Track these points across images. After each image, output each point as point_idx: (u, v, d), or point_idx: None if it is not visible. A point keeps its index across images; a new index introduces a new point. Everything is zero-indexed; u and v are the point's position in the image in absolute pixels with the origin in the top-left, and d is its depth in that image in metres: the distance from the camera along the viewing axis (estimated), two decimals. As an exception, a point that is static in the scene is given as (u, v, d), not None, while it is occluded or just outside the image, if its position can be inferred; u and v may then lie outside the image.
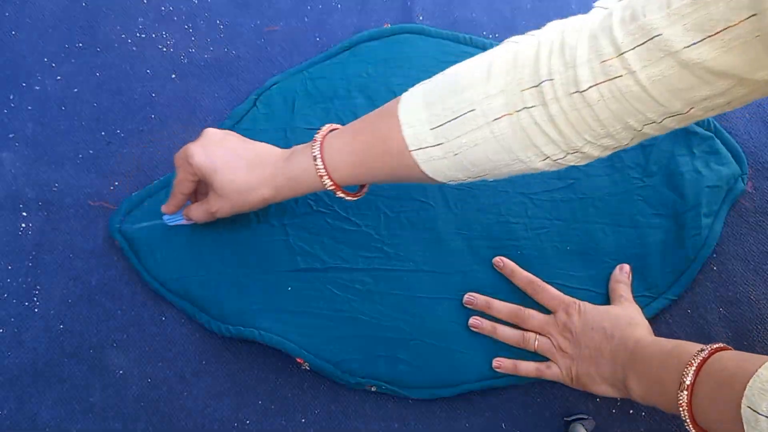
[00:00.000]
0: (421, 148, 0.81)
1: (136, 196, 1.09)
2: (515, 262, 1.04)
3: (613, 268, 1.04)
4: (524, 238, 1.06)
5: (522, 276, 1.03)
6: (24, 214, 1.09)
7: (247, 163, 0.93)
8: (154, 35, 1.20)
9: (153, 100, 1.16)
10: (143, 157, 1.13)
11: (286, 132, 1.11)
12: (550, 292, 1.01)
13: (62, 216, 1.10)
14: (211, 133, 0.96)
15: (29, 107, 1.15)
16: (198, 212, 0.99)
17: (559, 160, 0.77)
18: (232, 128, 1.11)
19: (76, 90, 1.17)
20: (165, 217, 1.04)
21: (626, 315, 0.96)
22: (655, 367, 0.84)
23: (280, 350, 1.00)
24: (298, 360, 0.99)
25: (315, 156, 0.88)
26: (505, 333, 1.01)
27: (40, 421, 1.00)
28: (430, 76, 1.06)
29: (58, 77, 1.17)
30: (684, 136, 1.09)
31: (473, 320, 1.02)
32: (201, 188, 1.02)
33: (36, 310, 1.05)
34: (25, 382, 1.02)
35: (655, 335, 0.97)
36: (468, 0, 1.22)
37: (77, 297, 1.06)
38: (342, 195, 0.92)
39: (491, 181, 1.01)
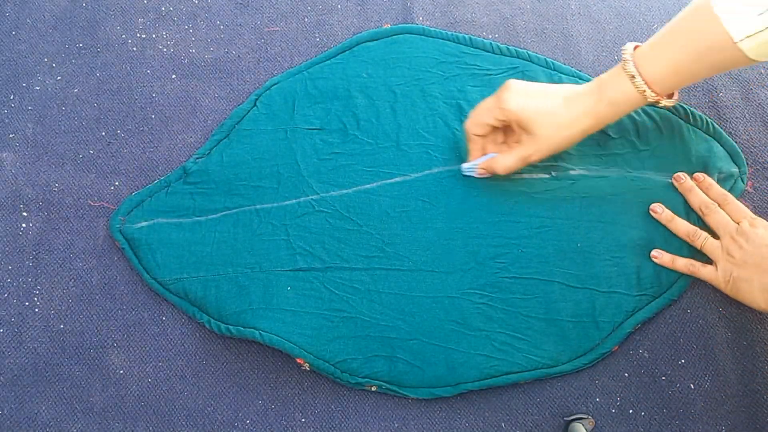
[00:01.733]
0: (748, 36, 0.83)
1: (136, 196, 1.09)
2: (516, 261, 1.04)
3: (614, 266, 1.04)
4: (525, 237, 1.05)
5: (719, 189, 1.06)
6: (24, 214, 1.10)
7: (562, 100, 0.96)
8: (154, 35, 1.20)
9: (153, 100, 1.16)
10: (143, 157, 1.13)
11: (287, 132, 1.11)
12: (741, 206, 1.04)
13: (62, 216, 1.10)
14: (515, 83, 0.98)
15: (29, 107, 1.15)
16: (509, 161, 1.00)
17: None
18: (232, 128, 1.12)
19: (76, 90, 1.17)
20: (464, 166, 1.06)
21: None
22: None
23: (280, 350, 0.99)
24: (298, 360, 0.99)
25: (633, 75, 0.91)
26: (680, 224, 1.04)
27: (40, 421, 1.00)
28: (430, 77, 1.07)
29: (59, 77, 1.17)
30: (683, 137, 1.09)
31: (656, 206, 1.06)
32: (491, 142, 1.05)
33: (36, 310, 1.05)
34: (25, 381, 1.02)
35: (655, 336, 1.00)
36: (468, 0, 1.22)
37: (77, 297, 1.06)
38: (665, 102, 0.95)
39: (492, 180, 1.04)
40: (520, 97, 0.95)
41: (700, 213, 1.04)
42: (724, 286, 0.99)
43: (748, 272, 0.96)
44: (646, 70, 0.91)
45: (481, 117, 1.00)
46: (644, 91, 0.91)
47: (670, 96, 0.96)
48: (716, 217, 1.02)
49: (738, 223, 1.00)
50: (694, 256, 1.03)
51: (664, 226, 1.05)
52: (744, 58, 0.85)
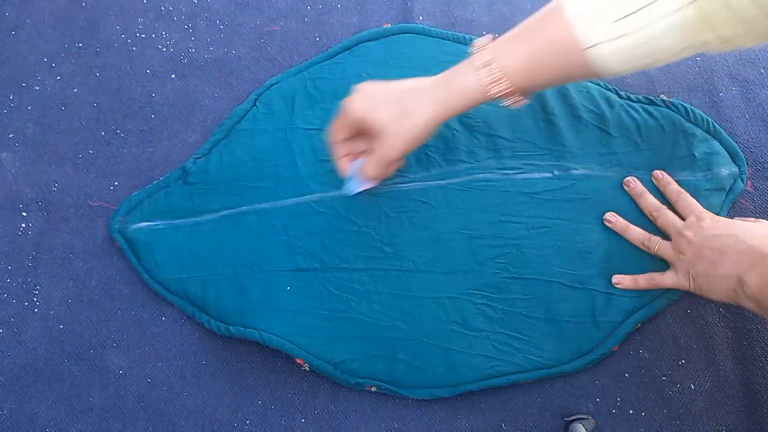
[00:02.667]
0: (596, 45, 0.83)
1: (136, 196, 1.09)
2: (516, 261, 1.04)
3: (612, 267, 1.04)
4: (525, 237, 1.05)
5: (675, 186, 1.05)
6: (24, 214, 1.10)
7: (401, 93, 0.93)
8: (154, 35, 1.20)
9: (153, 100, 1.16)
10: (143, 157, 1.13)
11: (286, 132, 1.11)
12: (693, 201, 1.02)
13: (62, 216, 1.10)
14: (364, 85, 0.96)
15: (29, 107, 1.15)
16: (372, 164, 0.97)
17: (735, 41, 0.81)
18: (231, 128, 1.12)
19: (76, 90, 1.17)
20: (350, 186, 1.04)
21: (755, 229, 0.95)
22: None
23: (280, 350, 0.99)
24: (298, 361, 0.99)
25: (488, 62, 0.88)
26: (634, 232, 1.03)
27: (39, 421, 1.00)
28: (430, 76, 1.06)
29: (58, 77, 1.17)
30: (683, 137, 1.09)
31: (610, 215, 1.05)
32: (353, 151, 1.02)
33: (36, 310, 1.05)
34: (25, 382, 1.02)
35: (655, 336, 1.00)
36: (468, 0, 1.22)
37: (77, 297, 1.06)
38: (513, 101, 0.92)
39: (492, 181, 1.05)
40: (363, 99, 0.94)
41: (651, 218, 1.04)
42: (688, 286, 0.97)
43: (703, 266, 0.94)
44: (502, 59, 0.88)
45: (332, 124, 0.98)
46: (498, 80, 0.88)
47: (521, 95, 0.93)
48: (665, 218, 1.01)
49: (687, 216, 1.00)
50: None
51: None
52: (590, 68, 0.86)
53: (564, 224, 1.06)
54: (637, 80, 1.15)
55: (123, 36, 1.20)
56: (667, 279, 0.99)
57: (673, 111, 1.11)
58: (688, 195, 1.02)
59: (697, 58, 1.17)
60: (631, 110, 1.11)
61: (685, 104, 1.11)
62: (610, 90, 1.13)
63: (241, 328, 1.00)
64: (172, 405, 1.01)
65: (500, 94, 0.90)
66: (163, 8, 1.22)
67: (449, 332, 1.01)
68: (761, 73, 1.16)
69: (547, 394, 1.02)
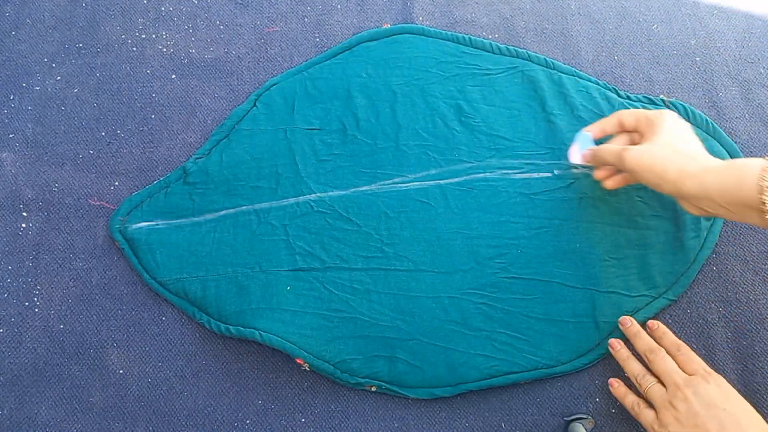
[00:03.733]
0: None
1: (136, 196, 1.09)
2: (515, 262, 1.04)
3: (613, 267, 1.03)
4: (524, 237, 1.05)
5: (672, 339, 0.98)
6: (24, 214, 1.09)
7: (695, 145, 0.92)
8: (154, 36, 1.20)
9: (153, 100, 1.15)
10: (143, 157, 1.12)
11: (286, 132, 1.11)
12: (695, 359, 0.94)
13: (62, 216, 1.09)
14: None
15: (29, 107, 1.15)
16: (609, 151, 0.97)
17: None
18: (231, 128, 1.12)
19: (76, 90, 1.16)
20: (578, 142, 1.04)
21: (749, 413, 0.89)
22: (734, 167, 0.83)
23: (280, 350, 0.99)
24: (298, 361, 0.99)
25: (765, 168, 0.78)
26: (632, 366, 0.97)
27: (40, 421, 1.00)
28: (430, 77, 1.07)
29: (58, 77, 1.17)
30: None
31: (614, 341, 1.00)
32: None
33: (36, 310, 1.05)
34: (25, 382, 1.02)
35: None
36: (467, 1, 1.21)
37: (77, 297, 1.06)
38: None
39: (491, 181, 1.04)
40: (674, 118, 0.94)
41: (645, 359, 0.96)
42: None
43: (687, 431, 0.86)
44: None
45: (629, 115, 0.99)
46: (764, 186, 0.77)
47: None
48: (662, 364, 0.93)
49: (689, 374, 0.91)
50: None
51: (662, 226, 1.05)
52: None
53: (563, 224, 1.05)
54: (637, 80, 1.15)
55: (123, 36, 1.20)
56: (644, 416, 0.92)
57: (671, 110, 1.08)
58: (688, 349, 0.96)
59: (697, 58, 1.16)
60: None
61: (684, 104, 1.11)
62: (609, 89, 1.12)
63: (241, 328, 1.00)
64: (172, 405, 1.01)
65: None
66: (163, 9, 1.21)
67: (449, 332, 1.01)
68: (761, 73, 1.15)
69: (547, 393, 1.01)
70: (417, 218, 1.06)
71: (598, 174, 1.02)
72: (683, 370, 0.92)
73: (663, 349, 0.95)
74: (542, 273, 1.04)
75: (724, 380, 0.90)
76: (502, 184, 1.07)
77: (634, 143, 0.99)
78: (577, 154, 1.04)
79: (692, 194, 0.85)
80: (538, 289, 1.03)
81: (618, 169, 0.99)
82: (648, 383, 0.93)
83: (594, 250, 1.04)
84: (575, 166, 1.07)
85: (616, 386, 0.98)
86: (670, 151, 0.89)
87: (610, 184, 1.01)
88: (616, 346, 0.99)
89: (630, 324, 1.00)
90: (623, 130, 1.01)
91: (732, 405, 0.87)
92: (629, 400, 0.95)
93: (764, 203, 0.76)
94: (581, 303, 1.03)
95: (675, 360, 0.94)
